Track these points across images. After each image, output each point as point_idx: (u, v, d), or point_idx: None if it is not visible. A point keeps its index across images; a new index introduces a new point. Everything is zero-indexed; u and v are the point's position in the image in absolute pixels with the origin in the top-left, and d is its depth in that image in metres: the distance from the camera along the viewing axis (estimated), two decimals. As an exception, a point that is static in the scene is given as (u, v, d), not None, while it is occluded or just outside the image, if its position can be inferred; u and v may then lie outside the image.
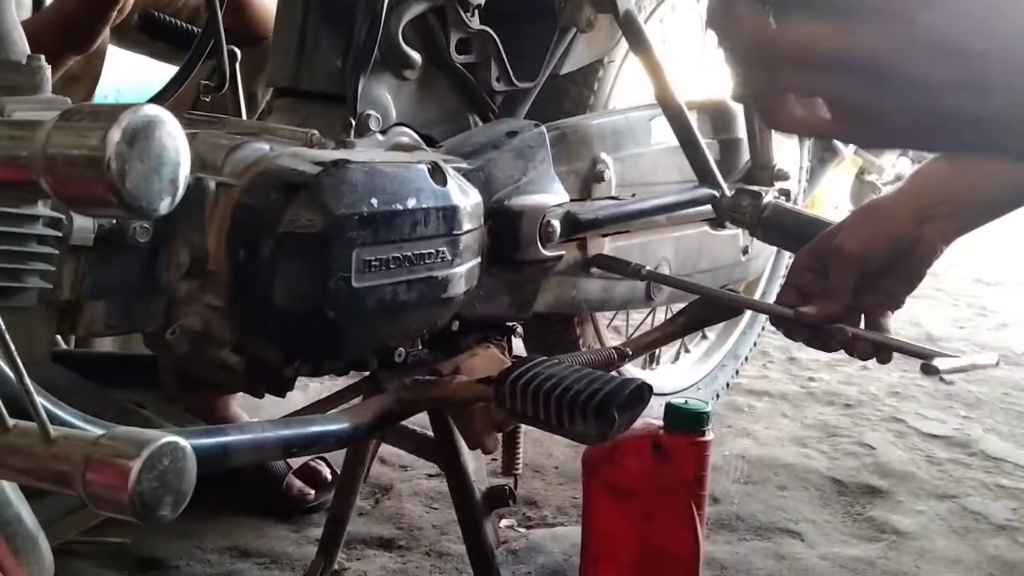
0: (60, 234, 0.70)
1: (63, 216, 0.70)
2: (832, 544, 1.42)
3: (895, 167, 3.54)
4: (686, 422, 1.15)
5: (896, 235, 0.93)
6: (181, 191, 0.42)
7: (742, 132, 1.40)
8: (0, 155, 0.44)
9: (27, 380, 0.54)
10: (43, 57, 0.74)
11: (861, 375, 2.20)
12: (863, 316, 0.99)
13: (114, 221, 0.73)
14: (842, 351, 0.98)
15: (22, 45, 0.77)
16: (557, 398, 0.82)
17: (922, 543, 1.42)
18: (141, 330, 0.80)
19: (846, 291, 0.94)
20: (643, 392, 0.82)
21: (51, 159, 0.41)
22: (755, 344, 1.83)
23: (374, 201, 0.82)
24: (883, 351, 0.95)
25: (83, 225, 0.71)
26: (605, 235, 1.19)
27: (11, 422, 0.56)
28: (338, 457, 1.28)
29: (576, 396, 0.81)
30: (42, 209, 0.69)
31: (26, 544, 0.64)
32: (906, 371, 2.22)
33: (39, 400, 0.54)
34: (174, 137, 0.42)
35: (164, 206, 0.42)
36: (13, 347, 0.53)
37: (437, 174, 0.90)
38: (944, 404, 2.05)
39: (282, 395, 0.89)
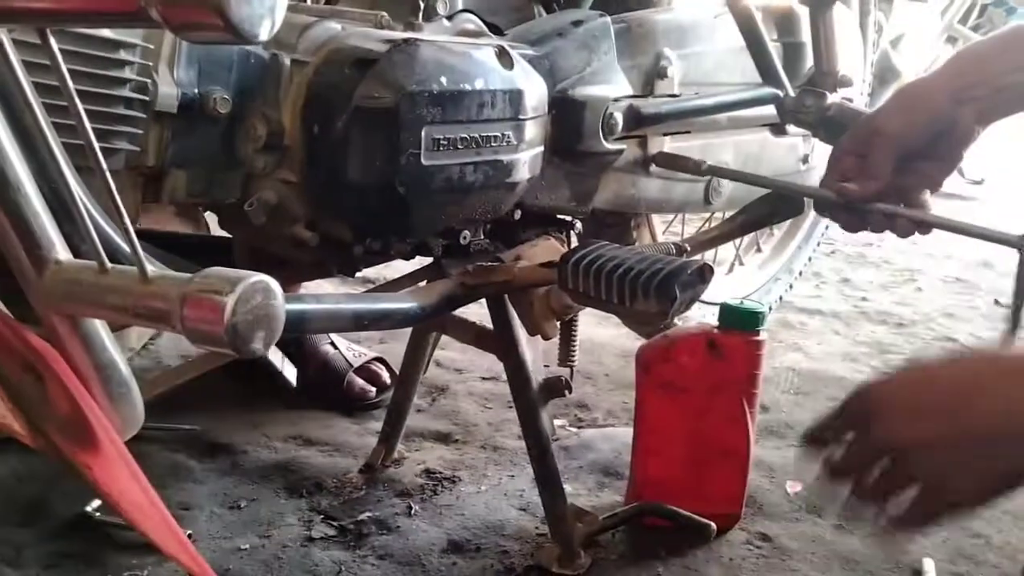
0: (147, 98, 0.72)
1: (148, 81, 0.72)
2: (881, 451, 1.43)
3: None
4: (741, 321, 1.17)
5: (934, 116, 0.93)
6: (279, 18, 0.44)
7: (806, 36, 1.37)
8: (109, -13, 0.46)
9: (127, 222, 0.56)
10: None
11: (915, 296, 2.19)
12: (902, 197, 1.00)
13: (196, 90, 0.76)
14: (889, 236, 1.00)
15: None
16: (619, 277, 0.83)
17: (972, 453, 1.43)
18: (221, 201, 0.83)
19: (886, 171, 0.95)
20: (704, 272, 0.83)
21: (159, -13, 0.43)
22: (810, 259, 1.83)
23: (443, 79, 0.83)
24: (922, 226, 0.97)
25: (167, 92, 0.74)
26: (665, 134, 1.19)
27: (109, 265, 0.59)
28: (396, 361, 1.32)
29: (638, 275, 0.82)
30: (129, 73, 0.72)
31: (120, 389, 0.67)
32: (960, 293, 2.20)
33: (137, 243, 0.57)
34: (273, -35, 0.44)
35: (264, 31, 0.44)
36: (115, 191, 0.56)
37: (504, 58, 0.90)
38: (999, 326, 2.04)
39: (351, 274, 0.92)
